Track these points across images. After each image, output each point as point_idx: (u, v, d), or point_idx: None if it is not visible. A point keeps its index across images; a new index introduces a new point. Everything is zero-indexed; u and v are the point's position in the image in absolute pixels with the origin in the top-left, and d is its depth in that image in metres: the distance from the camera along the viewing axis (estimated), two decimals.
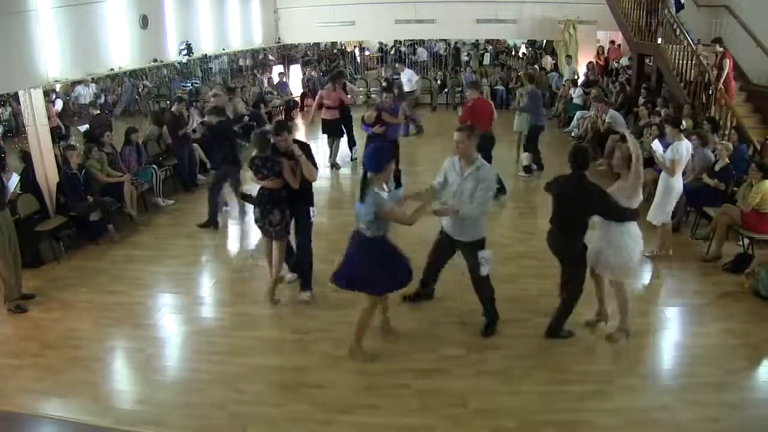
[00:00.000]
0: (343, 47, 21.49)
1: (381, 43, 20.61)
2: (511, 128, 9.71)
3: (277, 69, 16.21)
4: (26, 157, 6.84)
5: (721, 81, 8.50)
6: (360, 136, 9.26)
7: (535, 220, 7.52)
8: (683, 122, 6.35)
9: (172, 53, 10.82)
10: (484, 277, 4.62)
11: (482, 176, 4.42)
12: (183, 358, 4.76)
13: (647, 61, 11.17)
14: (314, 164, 5.16)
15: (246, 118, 11.07)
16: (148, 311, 5.43)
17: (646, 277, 5.95)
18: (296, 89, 15.89)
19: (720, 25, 10.02)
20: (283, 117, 14.71)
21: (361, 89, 16.04)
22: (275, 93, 14.78)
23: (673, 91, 9.77)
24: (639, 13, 11.06)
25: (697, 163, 7.03)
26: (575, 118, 11.76)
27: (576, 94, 12.69)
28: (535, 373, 4.33)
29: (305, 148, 5.14)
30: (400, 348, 4.67)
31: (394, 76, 14.82)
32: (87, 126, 9.47)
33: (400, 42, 19.60)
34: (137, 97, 12.40)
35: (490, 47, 20.69)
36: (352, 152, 10.28)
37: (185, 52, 10.91)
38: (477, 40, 20.59)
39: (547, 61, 16.54)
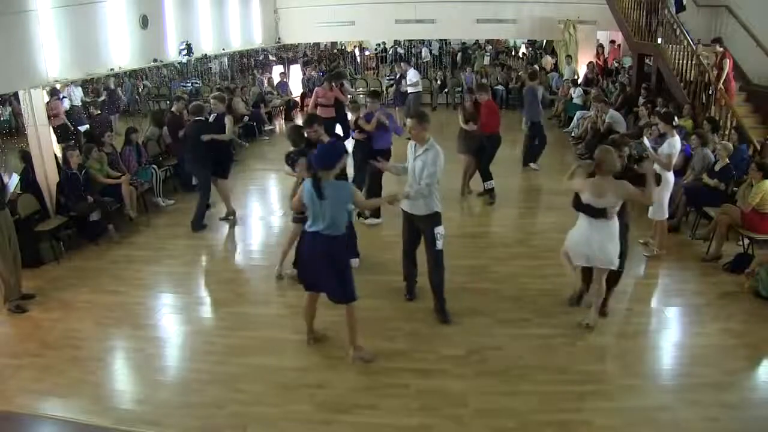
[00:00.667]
0: (343, 47, 21.51)
1: (379, 45, 20.57)
2: (510, 128, 9.76)
3: (278, 69, 16.22)
4: (26, 157, 6.84)
5: (721, 81, 8.51)
6: None
7: (535, 220, 7.53)
8: (675, 118, 6.41)
9: (172, 53, 10.82)
10: (438, 251, 4.95)
11: (429, 157, 4.78)
12: (183, 358, 4.77)
13: (647, 61, 11.17)
14: (345, 150, 5.45)
15: (246, 118, 11.08)
16: (148, 311, 5.43)
17: (644, 277, 5.97)
18: (296, 89, 15.89)
19: (720, 25, 10.01)
20: (283, 117, 14.76)
21: (359, 90, 16.02)
22: (275, 93, 14.79)
23: (673, 91, 9.77)
24: (639, 13, 11.06)
25: (697, 163, 7.04)
26: (575, 118, 11.77)
27: (576, 94, 12.69)
28: (535, 373, 4.32)
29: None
30: (400, 348, 4.68)
31: (391, 77, 14.83)
32: (87, 126, 9.48)
33: (400, 42, 19.61)
34: (137, 97, 12.40)
35: (490, 47, 20.70)
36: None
37: (185, 52, 10.91)
38: (477, 40, 20.59)
39: (547, 61, 16.54)
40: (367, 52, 21.02)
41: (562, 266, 4.98)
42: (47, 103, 8.06)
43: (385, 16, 15.06)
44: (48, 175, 6.87)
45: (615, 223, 4.57)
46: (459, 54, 19.47)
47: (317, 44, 20.17)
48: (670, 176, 6.06)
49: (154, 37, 10.12)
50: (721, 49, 8.78)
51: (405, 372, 4.37)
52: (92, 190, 7.01)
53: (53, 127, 8.39)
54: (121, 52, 9.07)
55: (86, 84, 10.43)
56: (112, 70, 9.03)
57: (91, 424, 3.93)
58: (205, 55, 12.43)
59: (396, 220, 5.47)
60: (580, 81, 13.64)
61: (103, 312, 5.34)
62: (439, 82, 16.17)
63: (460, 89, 15.58)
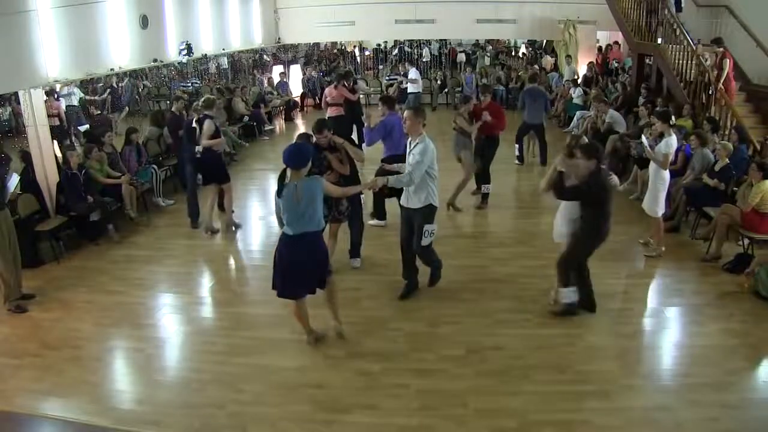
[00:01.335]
0: (343, 47, 21.50)
1: (378, 45, 20.54)
2: (511, 128, 9.71)
3: (277, 69, 16.21)
4: (26, 157, 6.84)
5: (721, 81, 8.50)
6: None
7: (535, 220, 7.52)
8: (672, 117, 6.43)
9: (172, 53, 10.81)
10: (423, 247, 5.14)
11: (419, 150, 4.90)
12: (183, 358, 4.77)
13: (647, 61, 11.17)
14: (356, 146, 5.84)
15: (246, 118, 11.08)
16: (148, 311, 5.43)
17: (644, 277, 5.97)
18: (296, 89, 15.88)
19: (720, 25, 10.00)
20: (283, 117, 14.77)
21: (367, 87, 15.95)
22: (275, 93, 14.78)
23: (673, 91, 9.77)
24: (639, 13, 11.05)
25: (696, 163, 7.04)
26: (575, 118, 11.75)
27: (576, 94, 12.69)
28: (535, 373, 4.32)
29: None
30: (400, 348, 4.68)
31: (393, 77, 14.82)
32: (87, 126, 9.48)
33: (401, 42, 19.59)
34: (137, 97, 12.40)
35: (490, 47, 20.70)
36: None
37: (185, 52, 10.90)
38: (477, 41, 20.59)
39: (547, 61, 16.54)
40: (367, 52, 21.01)
41: None
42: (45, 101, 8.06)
43: (385, 16, 15.05)
44: (48, 175, 6.87)
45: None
46: (462, 53, 19.43)
47: (317, 44, 20.15)
48: (666, 174, 6.07)
49: (154, 37, 10.11)
50: (721, 49, 8.77)
51: (405, 372, 4.37)
52: (92, 190, 7.01)
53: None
54: (121, 52, 9.06)
55: (85, 84, 10.43)
56: (112, 70, 9.03)
57: (91, 424, 3.93)
58: (205, 55, 12.43)
59: (399, 222, 5.48)
60: (579, 81, 13.64)
61: (103, 312, 5.34)
62: (439, 82, 16.17)
63: (460, 89, 15.62)
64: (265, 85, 14.93)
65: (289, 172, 4.36)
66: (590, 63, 14.24)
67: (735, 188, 6.49)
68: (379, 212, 7.14)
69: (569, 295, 4.96)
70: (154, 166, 8.32)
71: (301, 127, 13.87)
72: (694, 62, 9.02)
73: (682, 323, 5.14)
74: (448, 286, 5.52)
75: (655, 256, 6.20)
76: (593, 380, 4.24)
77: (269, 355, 4.64)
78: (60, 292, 5.72)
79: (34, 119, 6.75)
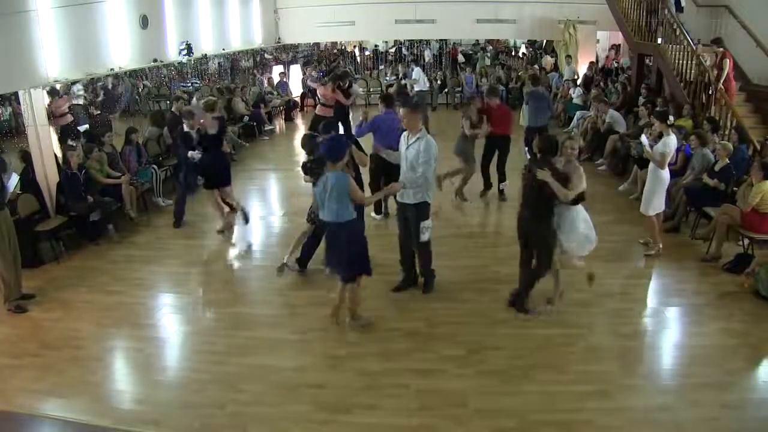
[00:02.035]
0: (343, 47, 21.48)
1: (377, 45, 20.52)
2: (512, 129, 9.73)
3: (277, 69, 16.21)
4: (26, 157, 6.84)
5: (721, 81, 8.49)
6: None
7: None
8: (671, 117, 6.44)
9: (172, 53, 10.81)
10: (423, 243, 5.19)
11: (423, 147, 4.90)
12: (183, 358, 4.77)
13: (647, 61, 11.17)
14: (361, 150, 5.94)
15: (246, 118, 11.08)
16: (148, 311, 5.43)
17: (644, 277, 5.97)
18: (296, 89, 15.87)
19: (720, 25, 9.99)
20: (283, 117, 14.76)
21: (361, 90, 15.97)
22: (275, 93, 14.78)
23: (673, 91, 9.77)
24: (639, 13, 11.05)
25: (696, 163, 7.04)
26: (575, 118, 11.76)
27: (576, 94, 12.69)
28: (535, 373, 4.33)
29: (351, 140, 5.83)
30: (400, 348, 4.68)
31: (393, 77, 14.81)
32: (87, 126, 9.46)
33: (401, 42, 19.58)
34: (137, 97, 12.39)
35: (490, 47, 20.69)
36: None
37: (185, 52, 10.90)
38: (477, 41, 20.58)
39: (547, 61, 16.54)
40: (367, 52, 21.00)
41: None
42: (50, 103, 8.05)
43: (385, 16, 15.06)
44: (48, 175, 6.86)
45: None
46: (461, 54, 19.43)
47: (317, 44, 20.14)
48: (664, 174, 6.07)
49: (154, 37, 10.11)
50: (721, 49, 8.77)
51: (405, 372, 4.37)
52: (92, 190, 7.01)
53: (59, 127, 8.40)
54: (121, 52, 9.06)
55: (86, 84, 10.41)
56: (112, 70, 9.03)
57: (91, 424, 3.93)
58: (205, 55, 12.43)
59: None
60: (579, 81, 13.64)
61: (103, 312, 5.34)
62: (439, 82, 16.16)
63: (460, 89, 15.61)
64: (265, 85, 14.92)
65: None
66: (591, 63, 14.23)
67: (735, 188, 6.49)
68: (377, 207, 7.20)
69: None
70: (154, 166, 8.32)
71: (301, 127, 13.87)
72: (694, 62, 9.02)
73: (682, 323, 5.14)
74: (448, 286, 5.52)
75: (654, 255, 6.20)
76: (593, 380, 4.24)
77: (269, 355, 4.64)
78: (60, 292, 5.72)
79: (34, 119, 6.74)
